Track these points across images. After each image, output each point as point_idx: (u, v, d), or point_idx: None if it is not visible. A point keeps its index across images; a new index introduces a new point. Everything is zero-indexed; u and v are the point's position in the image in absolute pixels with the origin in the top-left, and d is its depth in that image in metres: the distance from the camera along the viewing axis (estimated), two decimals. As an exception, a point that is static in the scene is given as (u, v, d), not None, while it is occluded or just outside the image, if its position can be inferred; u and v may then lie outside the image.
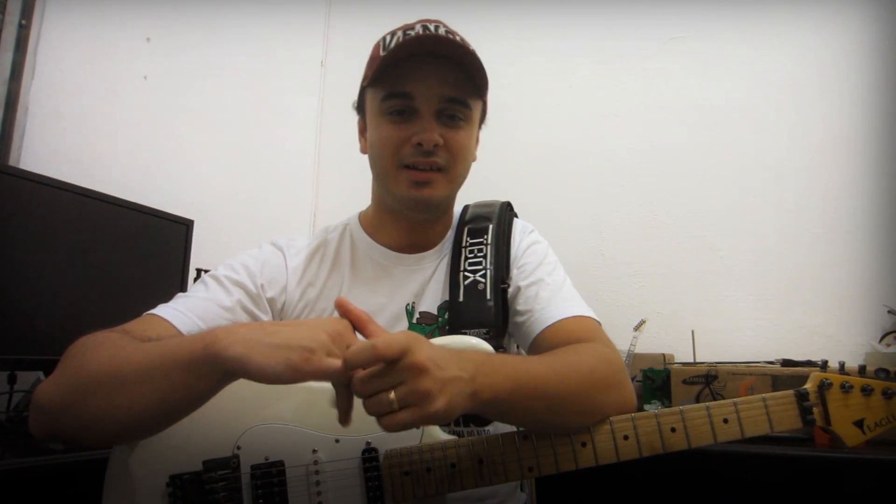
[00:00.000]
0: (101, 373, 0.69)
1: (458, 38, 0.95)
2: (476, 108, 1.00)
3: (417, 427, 0.67)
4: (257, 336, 0.63)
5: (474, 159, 1.06)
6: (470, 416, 0.91)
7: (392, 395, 0.62)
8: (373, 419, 0.67)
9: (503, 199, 1.14)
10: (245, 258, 1.00)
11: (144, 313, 0.87)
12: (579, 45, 2.38)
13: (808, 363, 1.54)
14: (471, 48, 0.95)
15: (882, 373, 0.85)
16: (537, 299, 0.97)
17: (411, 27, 0.95)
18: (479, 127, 1.07)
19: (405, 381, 0.63)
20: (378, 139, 0.98)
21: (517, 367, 0.76)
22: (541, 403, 0.76)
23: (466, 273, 1.00)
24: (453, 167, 0.97)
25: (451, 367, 0.66)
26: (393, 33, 0.97)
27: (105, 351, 0.72)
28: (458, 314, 0.98)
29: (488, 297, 0.97)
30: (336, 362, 0.62)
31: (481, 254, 1.02)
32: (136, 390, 0.67)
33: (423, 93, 0.94)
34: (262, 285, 0.97)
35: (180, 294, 0.94)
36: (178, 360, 0.66)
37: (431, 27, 0.95)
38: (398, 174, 0.96)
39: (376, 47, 0.99)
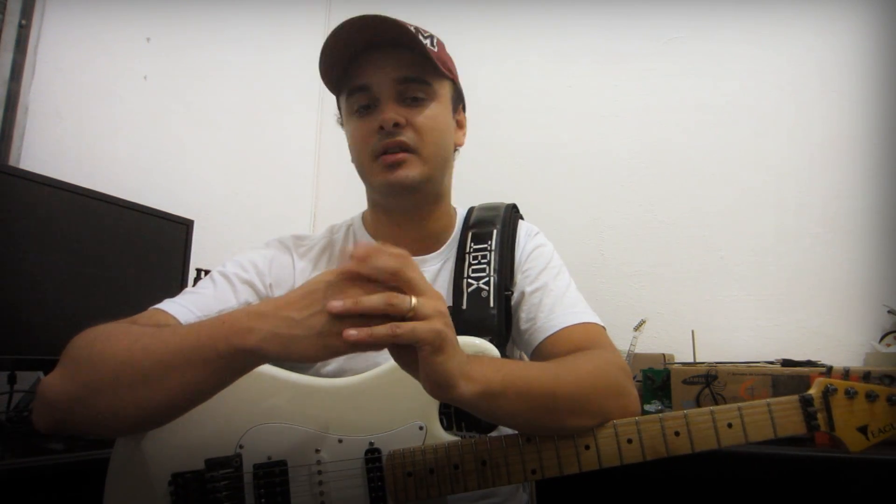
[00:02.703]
0: (120, 365, 0.68)
1: (394, 20, 0.93)
2: (441, 86, 0.99)
3: (417, 346, 0.63)
4: (284, 331, 0.63)
5: (460, 143, 1.05)
6: (472, 424, 0.91)
7: (413, 299, 0.62)
8: (377, 420, 0.66)
9: (503, 199, 1.13)
10: (254, 255, 1.00)
11: (150, 307, 0.87)
12: (579, 45, 2.38)
13: (808, 363, 1.54)
14: (413, 28, 0.94)
15: (887, 379, 0.85)
16: (541, 306, 0.97)
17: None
18: (458, 110, 1.06)
19: (424, 295, 0.63)
20: (351, 137, 0.99)
21: (509, 364, 0.77)
22: (535, 401, 0.75)
23: (470, 280, 0.99)
24: (423, 146, 0.95)
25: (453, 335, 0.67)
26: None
27: (120, 342, 0.71)
28: (460, 321, 0.96)
29: (491, 304, 0.97)
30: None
31: (485, 260, 1.01)
32: (159, 382, 0.66)
33: (379, 80, 0.94)
34: (270, 285, 0.97)
35: (188, 289, 0.94)
36: (203, 355, 0.65)
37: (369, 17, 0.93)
38: (373, 165, 0.95)
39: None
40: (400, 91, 0.94)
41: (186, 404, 0.70)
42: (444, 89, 1.00)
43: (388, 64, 0.94)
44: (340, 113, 1.05)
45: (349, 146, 1.02)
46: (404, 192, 0.97)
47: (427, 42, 0.95)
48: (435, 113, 0.97)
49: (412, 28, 0.93)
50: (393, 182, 0.94)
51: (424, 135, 0.95)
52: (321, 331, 0.62)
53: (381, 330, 0.60)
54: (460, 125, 1.06)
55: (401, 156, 0.93)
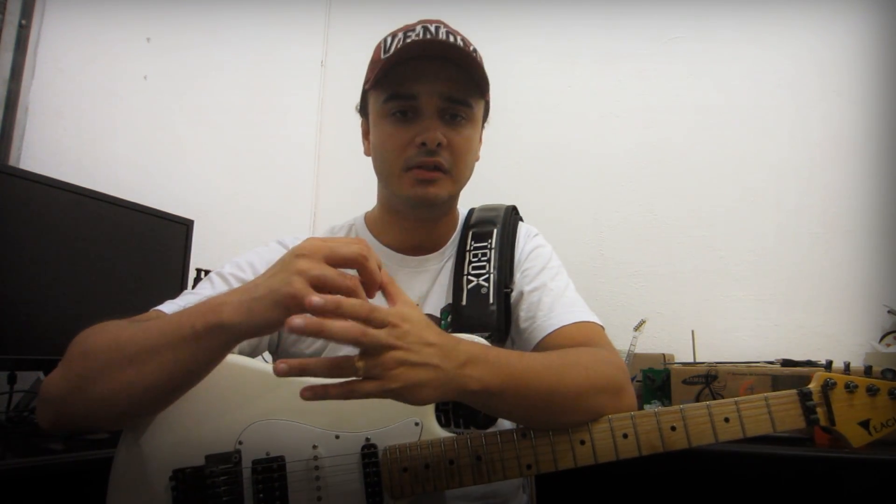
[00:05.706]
0: (107, 353, 0.71)
1: (459, 38, 0.95)
2: (478, 107, 1.00)
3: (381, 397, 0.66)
4: (247, 297, 0.66)
5: (477, 158, 1.06)
6: (470, 420, 0.91)
7: (359, 361, 0.64)
8: (373, 417, 0.66)
9: (503, 198, 1.14)
10: (252, 256, 1.00)
11: (151, 309, 0.88)
12: (579, 45, 2.38)
13: (809, 363, 1.54)
14: (472, 48, 0.95)
15: (889, 373, 0.84)
16: (540, 305, 0.97)
17: (412, 28, 0.95)
18: (483, 126, 1.07)
19: (372, 354, 0.64)
20: (381, 141, 0.98)
21: (512, 361, 0.77)
22: (533, 399, 0.76)
23: (470, 277, 1.00)
24: (456, 167, 0.97)
25: (431, 354, 0.67)
26: (394, 35, 0.97)
27: (108, 334, 0.74)
28: (460, 317, 0.98)
29: (491, 301, 0.98)
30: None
31: (485, 258, 1.02)
32: (143, 367, 0.69)
33: (426, 93, 0.94)
34: None
35: (187, 291, 0.95)
36: (182, 335, 0.68)
37: (432, 28, 0.95)
38: (403, 176, 0.96)
39: (377, 49, 0.99)
40: (443, 108, 0.95)
41: (171, 386, 0.72)
42: (479, 109, 1.02)
43: (439, 78, 0.94)
44: (365, 104, 1.05)
45: (373, 145, 1.01)
46: (428, 207, 0.99)
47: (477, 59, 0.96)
48: (470, 134, 0.99)
49: (472, 49, 0.95)
50: (422, 197, 0.95)
51: (458, 156, 0.97)
52: (278, 287, 0.63)
53: (335, 390, 0.64)
54: (480, 140, 1.08)
55: (435, 174, 0.95)
